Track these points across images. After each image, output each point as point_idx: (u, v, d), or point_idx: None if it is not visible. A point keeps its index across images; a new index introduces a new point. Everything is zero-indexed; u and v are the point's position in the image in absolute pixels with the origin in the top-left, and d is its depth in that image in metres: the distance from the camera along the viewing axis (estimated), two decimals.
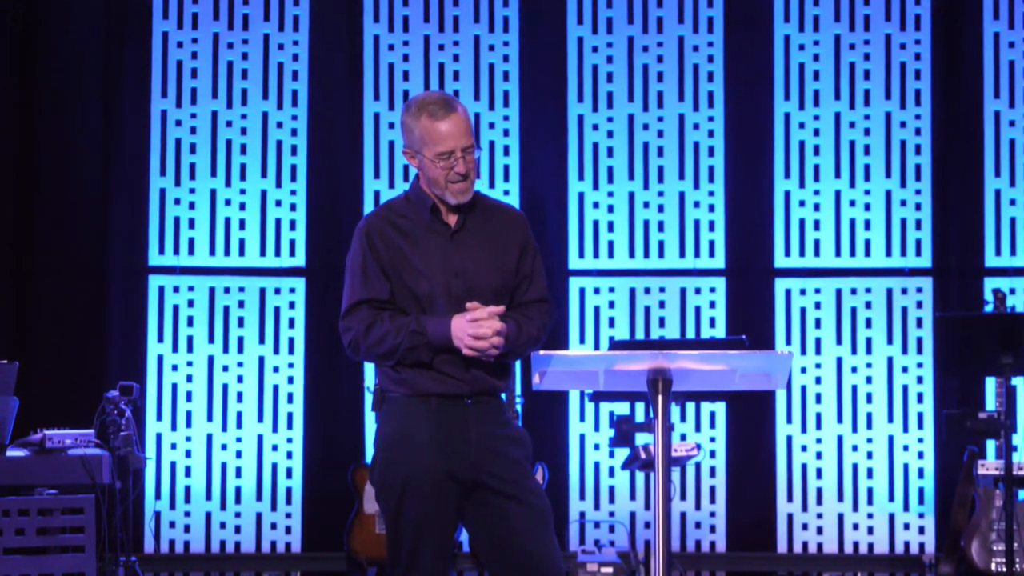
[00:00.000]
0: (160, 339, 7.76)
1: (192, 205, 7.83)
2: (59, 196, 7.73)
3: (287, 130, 7.87)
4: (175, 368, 7.75)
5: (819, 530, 7.72)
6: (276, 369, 7.79)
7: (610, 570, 6.84)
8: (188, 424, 7.73)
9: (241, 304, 7.80)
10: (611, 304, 7.81)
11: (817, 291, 7.79)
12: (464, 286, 4.14)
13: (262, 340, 7.79)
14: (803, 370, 7.75)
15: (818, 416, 7.76)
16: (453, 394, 4.12)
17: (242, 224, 7.84)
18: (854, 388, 7.76)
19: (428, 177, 4.17)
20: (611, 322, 7.80)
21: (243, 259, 7.83)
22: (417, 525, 4.10)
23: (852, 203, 7.81)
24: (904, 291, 7.79)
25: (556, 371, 3.97)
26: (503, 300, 4.18)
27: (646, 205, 7.84)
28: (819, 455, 7.74)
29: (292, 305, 7.81)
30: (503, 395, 4.20)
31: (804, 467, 7.74)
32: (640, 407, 7.45)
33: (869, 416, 7.74)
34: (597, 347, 7.73)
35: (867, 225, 7.80)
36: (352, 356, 4.23)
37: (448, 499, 4.10)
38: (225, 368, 7.78)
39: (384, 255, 4.14)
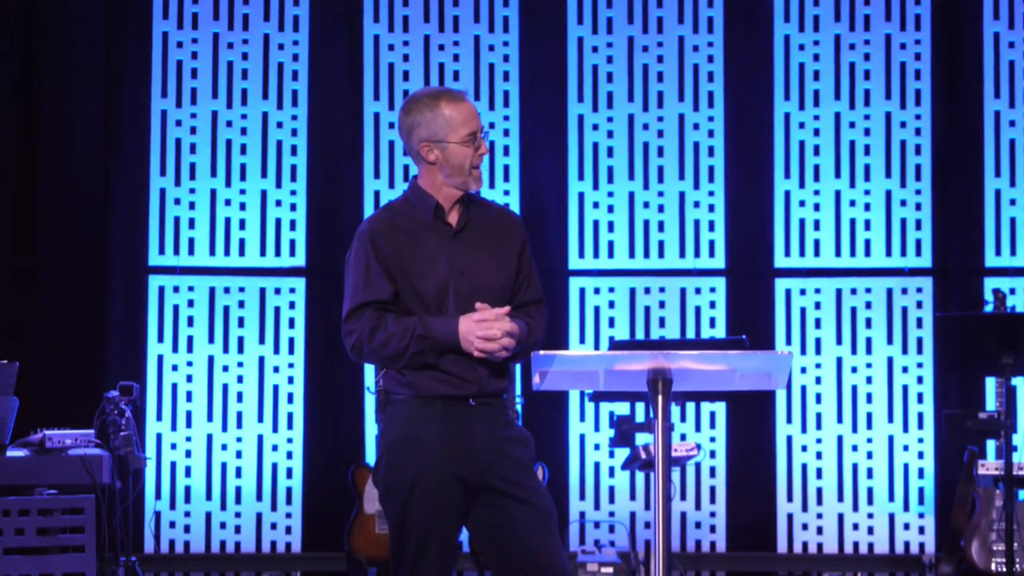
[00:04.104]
0: (160, 339, 7.76)
1: (192, 205, 7.83)
2: (59, 196, 7.73)
3: (287, 130, 7.87)
4: (175, 368, 7.75)
5: (819, 530, 7.72)
6: (276, 369, 7.79)
7: (610, 570, 6.84)
8: (188, 424, 7.73)
9: (241, 304, 7.80)
10: (611, 304, 7.81)
11: (817, 291, 7.80)
12: (469, 285, 4.14)
13: (262, 340, 7.79)
14: (803, 370, 7.75)
15: (818, 416, 7.76)
16: (458, 396, 4.11)
17: (242, 224, 7.84)
18: (854, 388, 7.76)
19: (452, 165, 4.16)
20: (611, 322, 7.80)
21: (243, 259, 7.83)
22: (423, 528, 4.09)
23: (852, 203, 7.81)
24: (904, 291, 7.79)
25: (556, 371, 3.97)
26: (506, 300, 4.18)
27: (646, 205, 7.84)
28: (819, 455, 7.74)
29: (292, 305, 7.81)
30: (504, 396, 4.21)
31: (804, 467, 7.74)
32: (640, 407, 7.45)
33: (869, 416, 7.74)
34: (597, 347, 7.73)
35: (867, 225, 7.80)
36: (355, 359, 4.22)
37: (453, 502, 4.10)
38: (225, 368, 7.78)
39: (389, 256, 4.14)
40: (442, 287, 4.13)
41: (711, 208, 7.83)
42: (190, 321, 7.78)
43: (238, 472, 7.74)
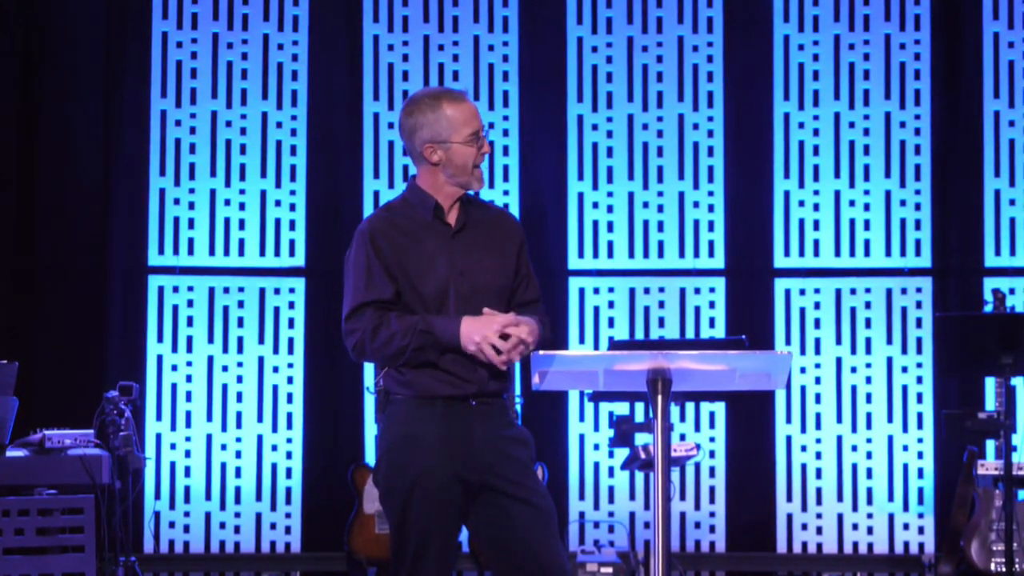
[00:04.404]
0: (160, 339, 7.76)
1: (192, 205, 7.83)
2: (59, 196, 7.74)
3: (287, 130, 7.87)
4: (175, 368, 7.76)
5: (819, 530, 7.72)
6: (276, 369, 7.79)
7: (610, 570, 6.84)
8: (188, 424, 7.73)
9: (241, 304, 7.80)
10: (611, 304, 7.81)
11: (817, 291, 7.80)
12: (469, 285, 4.14)
13: (262, 340, 7.79)
14: (803, 370, 7.75)
15: (818, 416, 7.76)
16: (459, 396, 4.12)
17: (242, 224, 7.84)
18: (854, 388, 7.76)
19: (456, 165, 4.16)
20: (611, 322, 7.80)
21: (243, 259, 7.83)
22: (423, 528, 4.09)
23: (852, 203, 7.81)
24: (904, 291, 7.79)
25: (556, 371, 3.97)
26: (504, 300, 4.20)
27: (646, 205, 7.84)
28: (819, 455, 7.74)
29: (292, 305, 7.81)
30: (504, 396, 4.21)
31: (804, 467, 7.74)
32: (640, 407, 7.45)
33: (869, 416, 7.74)
34: (597, 347, 7.73)
35: (867, 225, 7.80)
36: (356, 358, 4.22)
37: (454, 502, 4.11)
38: (225, 368, 7.78)
39: (389, 256, 4.14)
40: (442, 287, 4.13)
41: (711, 208, 7.83)
42: (190, 321, 7.78)
43: (238, 472, 7.74)
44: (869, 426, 7.73)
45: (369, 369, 7.46)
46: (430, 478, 4.08)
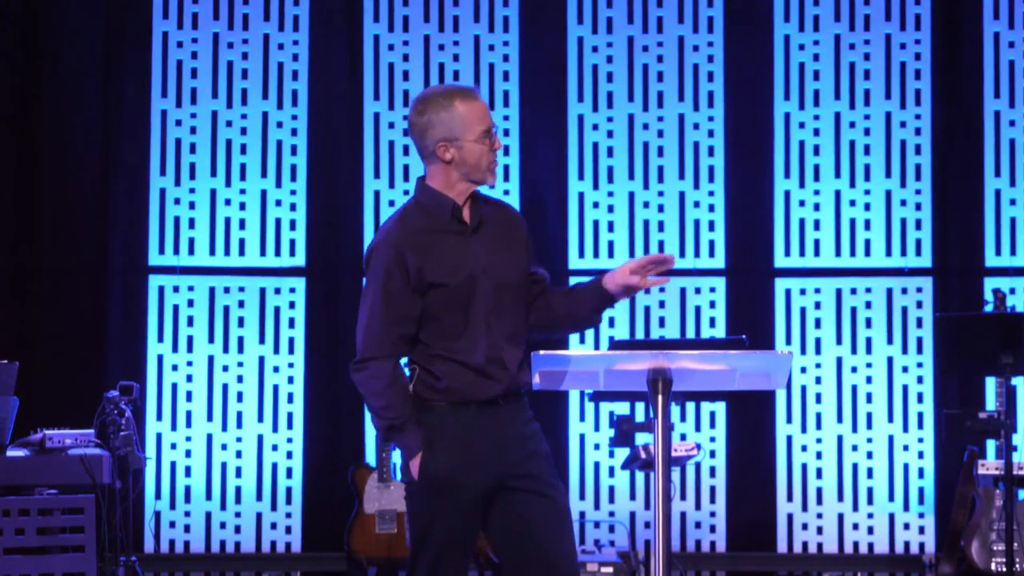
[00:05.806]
0: (160, 339, 7.76)
1: (192, 205, 7.83)
2: (59, 196, 7.74)
3: (287, 130, 7.87)
4: (175, 368, 7.75)
5: (819, 530, 7.72)
6: (276, 369, 7.79)
7: (610, 570, 6.85)
8: (188, 424, 7.73)
9: (241, 304, 7.80)
10: None
11: (817, 291, 7.80)
12: (490, 281, 4.14)
13: (262, 340, 7.79)
14: (803, 370, 7.75)
15: (818, 416, 7.76)
16: (491, 398, 4.12)
17: (242, 224, 7.84)
18: (854, 388, 7.76)
19: (469, 164, 4.14)
20: (611, 322, 7.80)
21: (243, 259, 7.83)
22: (447, 533, 4.09)
23: (852, 203, 7.81)
24: (904, 291, 7.79)
25: (556, 371, 3.97)
26: (522, 294, 4.20)
27: (646, 205, 7.84)
28: (819, 455, 7.74)
29: (292, 305, 7.81)
30: (523, 391, 4.22)
31: (804, 467, 7.74)
32: (640, 407, 7.45)
33: (869, 416, 7.74)
34: (597, 347, 7.73)
35: (867, 225, 7.80)
36: (353, 371, 4.19)
37: (479, 506, 4.11)
38: (225, 368, 7.78)
39: (415, 271, 4.11)
40: (468, 286, 4.12)
41: (711, 208, 7.83)
42: (190, 321, 7.78)
43: (238, 472, 7.74)
44: (869, 426, 7.73)
45: None
46: (463, 486, 4.08)
